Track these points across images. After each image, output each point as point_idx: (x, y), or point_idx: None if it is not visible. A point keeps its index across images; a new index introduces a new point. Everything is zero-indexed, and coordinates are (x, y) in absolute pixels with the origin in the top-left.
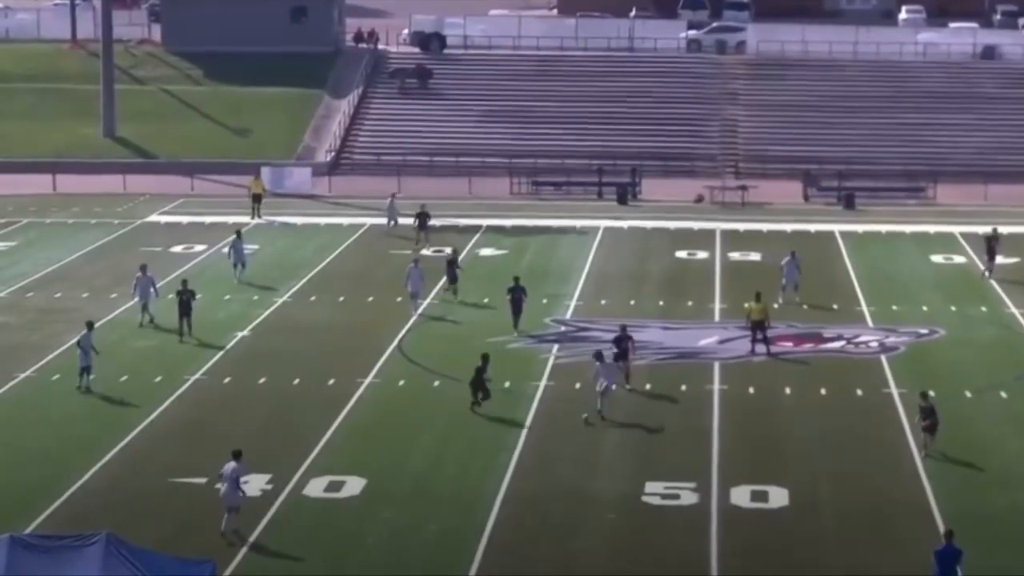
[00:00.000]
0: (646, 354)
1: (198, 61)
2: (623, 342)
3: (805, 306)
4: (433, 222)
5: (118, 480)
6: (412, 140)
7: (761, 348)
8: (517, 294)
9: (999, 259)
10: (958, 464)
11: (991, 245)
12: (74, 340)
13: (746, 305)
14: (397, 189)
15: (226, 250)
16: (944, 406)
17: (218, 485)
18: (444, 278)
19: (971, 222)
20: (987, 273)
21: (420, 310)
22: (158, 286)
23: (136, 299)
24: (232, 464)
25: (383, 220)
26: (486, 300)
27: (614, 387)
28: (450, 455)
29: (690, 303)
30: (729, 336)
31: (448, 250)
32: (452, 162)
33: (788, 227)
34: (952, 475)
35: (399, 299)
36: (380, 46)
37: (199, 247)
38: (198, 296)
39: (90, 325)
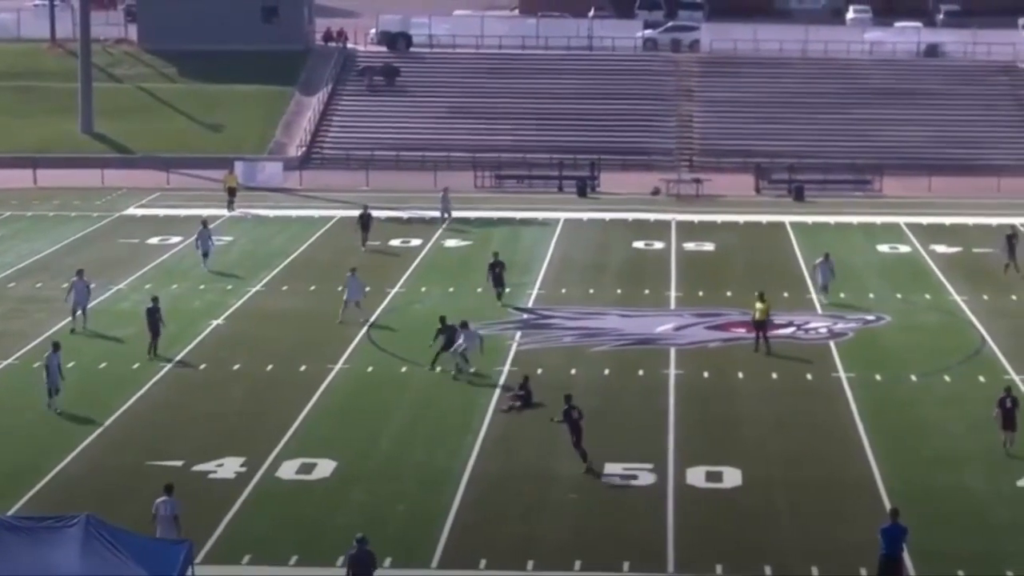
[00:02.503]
0: (606, 340)
1: (173, 59)
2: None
3: (757, 293)
4: (400, 214)
5: (97, 464)
6: (380, 135)
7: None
8: (497, 269)
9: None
10: (904, 445)
11: (1011, 243)
12: (44, 357)
13: (758, 305)
14: (365, 182)
15: (194, 240)
16: (890, 389)
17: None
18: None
19: (915, 213)
20: (1012, 269)
21: (364, 317)
22: (134, 277)
23: (69, 303)
24: (163, 498)
25: (354, 212)
26: (451, 289)
27: (470, 353)
28: (417, 438)
29: (647, 291)
30: (685, 323)
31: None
32: (418, 157)
33: (740, 218)
34: (898, 455)
35: (368, 288)
36: (349, 45)
37: (175, 239)
38: (174, 286)
39: (56, 345)
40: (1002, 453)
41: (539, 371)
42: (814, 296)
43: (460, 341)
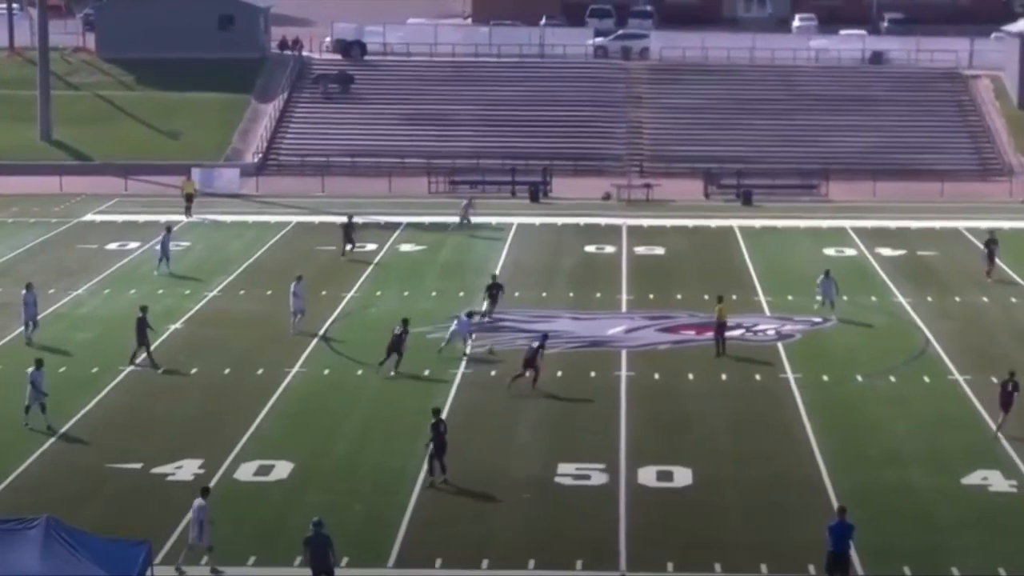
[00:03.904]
0: (558, 343)
1: (131, 67)
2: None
3: (706, 296)
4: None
5: (57, 467)
6: (335, 142)
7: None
8: (495, 291)
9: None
10: (850, 444)
11: (990, 248)
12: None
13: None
14: (321, 188)
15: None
16: (837, 390)
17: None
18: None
19: (861, 217)
20: (988, 276)
21: (298, 329)
22: (93, 282)
23: (23, 315)
24: (199, 501)
25: (310, 218)
26: (406, 293)
27: (458, 340)
28: (373, 439)
29: (598, 295)
30: (635, 326)
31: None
32: (373, 163)
33: (690, 223)
34: (845, 454)
35: (324, 292)
36: (304, 53)
37: (133, 244)
38: (132, 291)
39: (39, 363)
40: (947, 451)
41: (492, 373)
42: (762, 300)
43: (454, 326)
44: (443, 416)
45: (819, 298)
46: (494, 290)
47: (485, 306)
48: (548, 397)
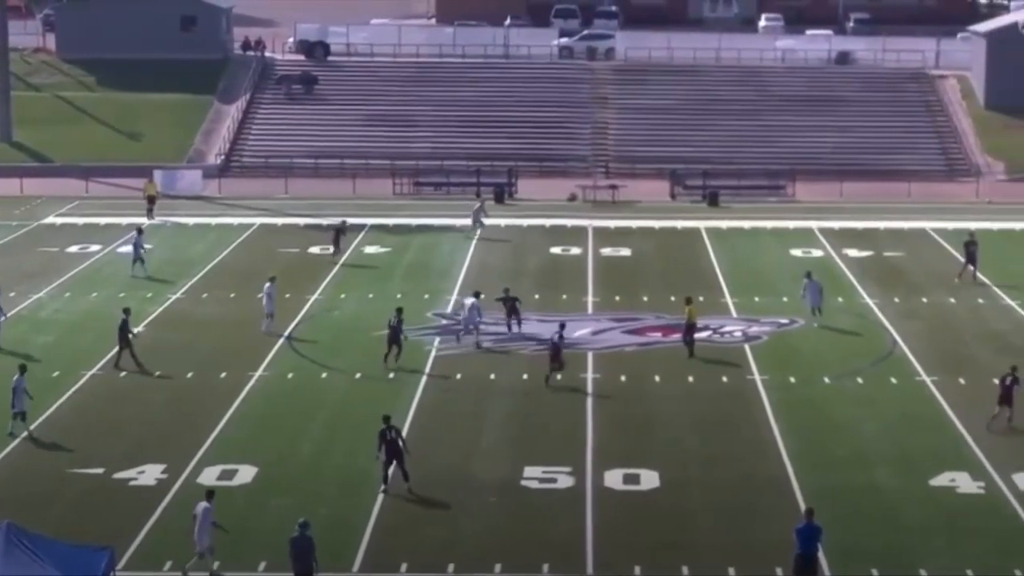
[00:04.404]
0: (524, 345)
1: (91, 68)
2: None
3: (673, 298)
4: (319, 222)
5: (17, 471)
6: (298, 143)
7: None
8: (510, 303)
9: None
10: (817, 445)
11: (969, 249)
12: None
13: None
14: (284, 189)
15: (127, 248)
16: (804, 391)
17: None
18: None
19: (828, 218)
20: (971, 276)
21: (273, 331)
22: (54, 285)
23: None
24: (203, 504)
25: (273, 220)
26: (371, 296)
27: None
28: (337, 443)
29: (564, 296)
30: (602, 328)
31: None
32: (337, 164)
33: (656, 224)
34: (812, 456)
35: (288, 295)
36: (267, 54)
37: (94, 247)
38: (94, 294)
39: (23, 368)
40: (915, 452)
41: (458, 376)
42: (728, 301)
43: (466, 312)
44: (395, 423)
45: (807, 305)
46: (509, 303)
47: (506, 319)
48: (514, 399)
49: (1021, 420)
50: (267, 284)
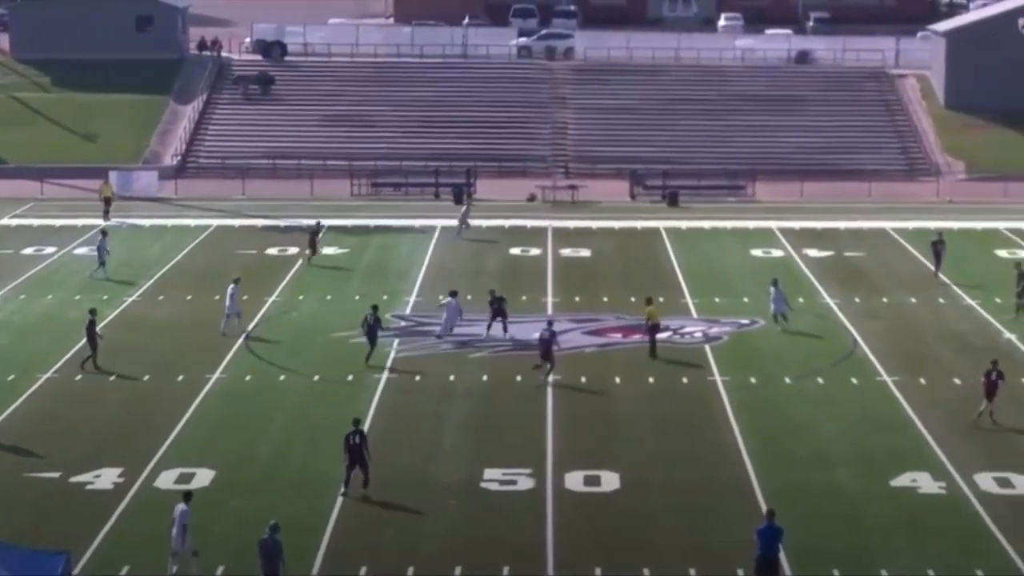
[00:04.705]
0: (483, 346)
1: (46, 68)
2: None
3: (633, 298)
4: (278, 223)
5: None
6: (255, 144)
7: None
8: (495, 304)
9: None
10: (778, 446)
11: (937, 249)
12: None
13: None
14: (242, 190)
15: (87, 249)
16: (765, 392)
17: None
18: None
19: (788, 218)
20: (937, 276)
21: (242, 330)
22: (9, 287)
23: None
24: (181, 506)
25: (230, 221)
26: (329, 297)
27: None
28: (296, 445)
29: (524, 298)
30: (561, 329)
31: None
32: (294, 165)
33: (616, 224)
34: (773, 456)
35: (245, 297)
36: (223, 54)
37: (49, 249)
38: (49, 296)
39: None
40: (876, 453)
41: (417, 378)
42: (689, 302)
43: (446, 313)
44: (360, 427)
45: (773, 310)
46: (496, 304)
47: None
48: (474, 401)
49: (1002, 417)
50: (231, 285)
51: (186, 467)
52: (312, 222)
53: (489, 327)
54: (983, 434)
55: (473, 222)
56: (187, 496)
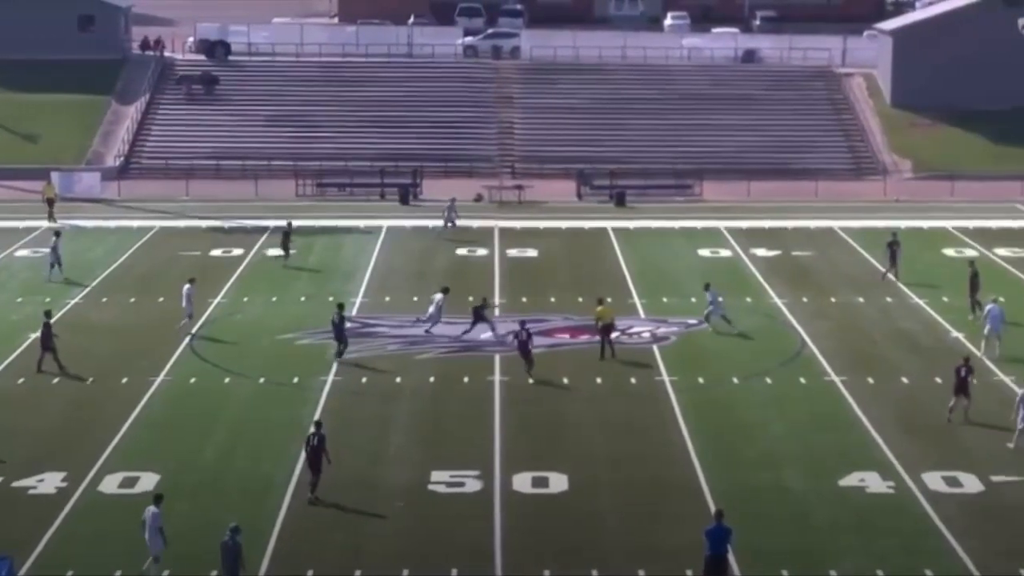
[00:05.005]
0: (431, 348)
1: None
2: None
3: (580, 299)
4: (221, 224)
5: None
6: (199, 144)
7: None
8: (480, 311)
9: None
10: (726, 446)
11: (892, 250)
12: None
13: (599, 309)
14: (185, 191)
15: (28, 251)
16: (713, 392)
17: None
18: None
19: (735, 217)
20: (892, 277)
21: (192, 330)
22: None
23: None
24: (152, 509)
25: (174, 223)
26: (274, 299)
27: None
28: (241, 448)
29: (471, 299)
30: (509, 330)
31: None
32: (239, 165)
33: (563, 224)
34: (721, 457)
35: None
36: (166, 53)
37: None
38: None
39: None
40: (824, 453)
41: (363, 380)
42: (637, 302)
43: (432, 308)
44: (321, 430)
45: (708, 310)
46: (480, 311)
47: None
48: (421, 403)
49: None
50: (186, 286)
51: (130, 471)
52: (283, 223)
53: (466, 331)
54: (931, 433)
55: (419, 223)
56: (157, 499)
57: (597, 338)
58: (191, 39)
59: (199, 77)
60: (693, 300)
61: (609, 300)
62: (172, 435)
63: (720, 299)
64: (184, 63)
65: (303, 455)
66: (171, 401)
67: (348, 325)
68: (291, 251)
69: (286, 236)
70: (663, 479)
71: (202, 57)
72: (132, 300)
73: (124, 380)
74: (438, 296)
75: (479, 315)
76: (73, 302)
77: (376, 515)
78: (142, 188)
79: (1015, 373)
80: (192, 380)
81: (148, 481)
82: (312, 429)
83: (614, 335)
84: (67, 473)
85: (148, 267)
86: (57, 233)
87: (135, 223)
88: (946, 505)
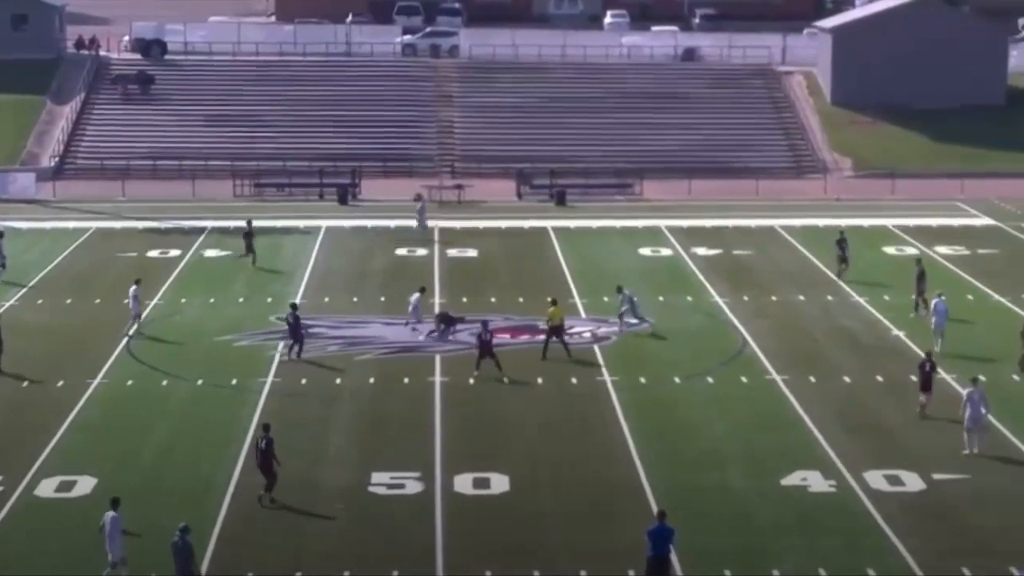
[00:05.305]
0: (370, 349)
1: None
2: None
3: (521, 299)
4: (158, 225)
5: None
6: (136, 144)
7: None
8: (450, 324)
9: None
10: (668, 446)
11: (841, 247)
12: None
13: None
14: (122, 192)
15: None
16: (654, 392)
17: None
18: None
19: (676, 216)
20: (835, 275)
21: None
22: None
23: None
24: (111, 513)
25: (110, 224)
26: (212, 300)
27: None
28: (180, 451)
29: (413, 297)
30: (471, 331)
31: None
32: (176, 166)
33: (503, 224)
34: (663, 457)
35: (126, 301)
36: (102, 53)
37: None
38: None
39: None
40: (766, 452)
41: (303, 381)
42: (577, 302)
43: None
44: (269, 433)
45: (621, 312)
46: (452, 322)
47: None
48: (361, 404)
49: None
50: (133, 287)
51: (67, 475)
52: (243, 223)
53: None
54: (873, 432)
55: (358, 223)
56: (115, 502)
57: (539, 337)
58: (127, 38)
59: (135, 76)
60: (634, 300)
61: (549, 300)
62: (109, 438)
63: (635, 299)
64: (120, 62)
65: (242, 457)
66: (108, 404)
67: (286, 327)
68: (254, 253)
69: (248, 236)
70: (605, 479)
71: (138, 56)
72: (68, 301)
73: (60, 383)
74: (414, 296)
75: (449, 319)
76: (8, 303)
77: (317, 517)
78: (78, 189)
79: (956, 371)
80: (129, 382)
81: (85, 485)
82: (260, 432)
83: (560, 337)
84: (3, 477)
85: (84, 268)
86: (1, 234)
87: (71, 224)
88: (888, 503)
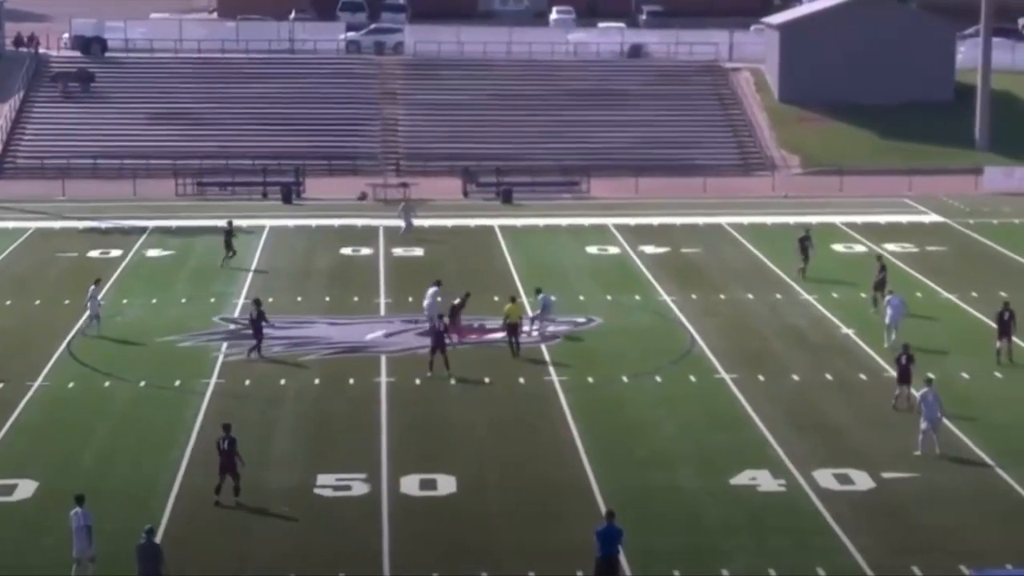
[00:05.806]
0: (315, 349)
1: None
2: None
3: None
4: (99, 225)
5: None
6: (76, 143)
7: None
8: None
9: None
10: (617, 446)
11: (804, 245)
12: None
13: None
14: (62, 191)
15: None
16: (602, 391)
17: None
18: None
19: (623, 214)
20: (802, 273)
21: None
22: None
23: None
24: (77, 510)
25: (50, 224)
26: (154, 301)
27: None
28: (122, 453)
29: (356, 299)
30: (395, 330)
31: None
32: (116, 164)
33: (449, 222)
34: (611, 456)
35: (67, 301)
36: (41, 50)
37: None
38: None
39: None
40: (715, 451)
41: (247, 382)
42: (524, 301)
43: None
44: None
45: (536, 313)
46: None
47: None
48: (306, 405)
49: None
50: (91, 287)
51: (7, 478)
52: (223, 222)
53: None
54: (822, 430)
55: (302, 222)
56: (80, 499)
57: (487, 337)
58: (66, 35)
59: (75, 74)
60: (581, 298)
61: (496, 299)
62: (50, 440)
63: (553, 299)
64: (59, 60)
65: (186, 459)
66: (49, 406)
67: (232, 328)
68: (233, 252)
69: (228, 235)
70: (553, 479)
71: (78, 54)
72: (8, 303)
73: (0, 385)
74: (431, 290)
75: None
76: None
77: (262, 519)
78: (17, 188)
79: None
80: (71, 384)
81: (26, 488)
82: (222, 433)
83: (506, 335)
84: None
85: (24, 269)
86: None
87: (10, 224)
88: (837, 502)
